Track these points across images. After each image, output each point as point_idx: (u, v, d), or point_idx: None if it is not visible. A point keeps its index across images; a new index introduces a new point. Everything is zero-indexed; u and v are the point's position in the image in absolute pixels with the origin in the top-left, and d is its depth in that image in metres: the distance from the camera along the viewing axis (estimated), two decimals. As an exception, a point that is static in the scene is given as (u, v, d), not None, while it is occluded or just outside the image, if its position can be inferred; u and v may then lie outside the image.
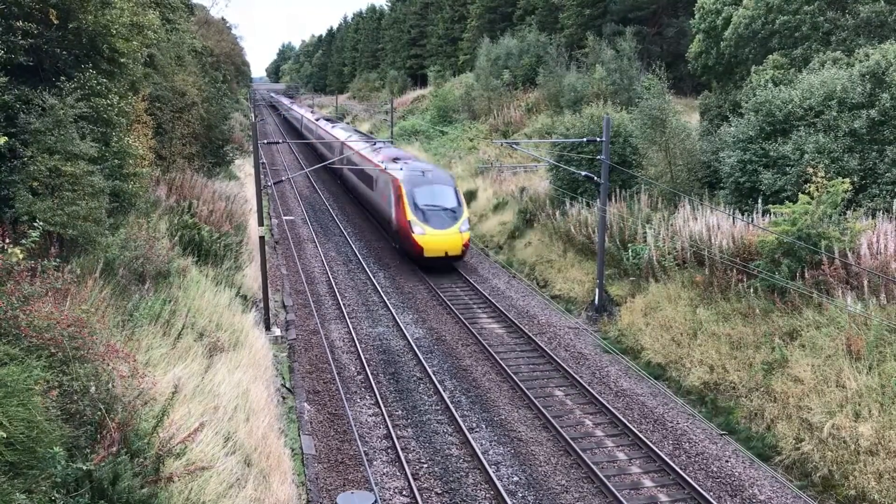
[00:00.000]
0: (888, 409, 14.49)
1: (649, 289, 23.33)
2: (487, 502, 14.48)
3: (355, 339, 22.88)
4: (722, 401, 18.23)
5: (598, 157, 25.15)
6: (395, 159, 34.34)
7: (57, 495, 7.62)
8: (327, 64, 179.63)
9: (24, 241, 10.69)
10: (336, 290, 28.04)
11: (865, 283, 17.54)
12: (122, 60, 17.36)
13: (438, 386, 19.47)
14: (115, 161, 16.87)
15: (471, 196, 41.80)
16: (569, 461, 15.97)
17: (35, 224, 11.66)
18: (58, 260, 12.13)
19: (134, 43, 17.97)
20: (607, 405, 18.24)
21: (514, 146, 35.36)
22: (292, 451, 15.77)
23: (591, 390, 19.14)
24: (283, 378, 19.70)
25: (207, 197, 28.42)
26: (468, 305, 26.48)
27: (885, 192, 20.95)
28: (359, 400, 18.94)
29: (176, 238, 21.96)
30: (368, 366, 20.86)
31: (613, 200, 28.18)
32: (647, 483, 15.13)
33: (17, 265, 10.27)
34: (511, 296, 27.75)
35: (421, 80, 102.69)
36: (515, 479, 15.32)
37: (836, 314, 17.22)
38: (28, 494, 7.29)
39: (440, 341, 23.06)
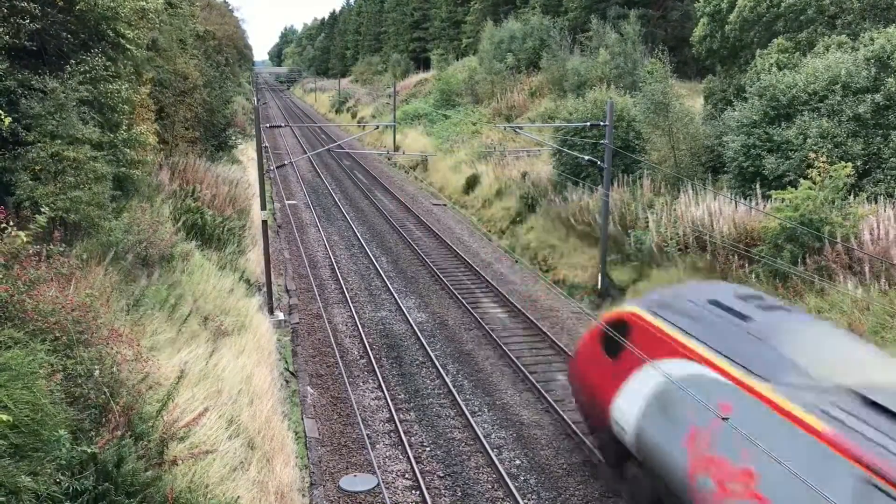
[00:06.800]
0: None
1: (652, 274, 23.33)
2: (490, 486, 14.57)
3: (358, 323, 22.94)
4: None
5: (602, 141, 25.09)
6: None
7: (62, 477, 7.69)
8: (330, 47, 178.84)
9: (31, 226, 10.73)
10: (339, 274, 28.08)
11: (867, 268, 17.53)
12: (127, 47, 17.29)
13: (441, 370, 19.54)
14: (126, 149, 16.83)
15: (474, 181, 41.78)
16: (571, 445, 16.04)
17: (42, 210, 11.70)
18: (63, 245, 12.17)
19: (139, 32, 17.92)
20: (609, 389, 18.28)
21: (517, 130, 35.24)
22: (295, 434, 15.87)
23: (593, 375, 19.19)
24: (287, 362, 19.79)
25: (210, 181, 28.42)
26: (471, 290, 26.51)
27: (889, 177, 20.88)
28: (361, 384, 19.02)
29: (179, 223, 21.99)
30: (371, 350, 20.93)
31: (616, 185, 28.12)
32: (648, 467, 15.21)
33: (24, 249, 10.31)
34: (513, 280, 27.78)
35: (424, 64, 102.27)
36: (518, 462, 15.41)
37: (839, 299, 17.22)
38: (33, 476, 7.35)
39: (443, 326, 23.12)
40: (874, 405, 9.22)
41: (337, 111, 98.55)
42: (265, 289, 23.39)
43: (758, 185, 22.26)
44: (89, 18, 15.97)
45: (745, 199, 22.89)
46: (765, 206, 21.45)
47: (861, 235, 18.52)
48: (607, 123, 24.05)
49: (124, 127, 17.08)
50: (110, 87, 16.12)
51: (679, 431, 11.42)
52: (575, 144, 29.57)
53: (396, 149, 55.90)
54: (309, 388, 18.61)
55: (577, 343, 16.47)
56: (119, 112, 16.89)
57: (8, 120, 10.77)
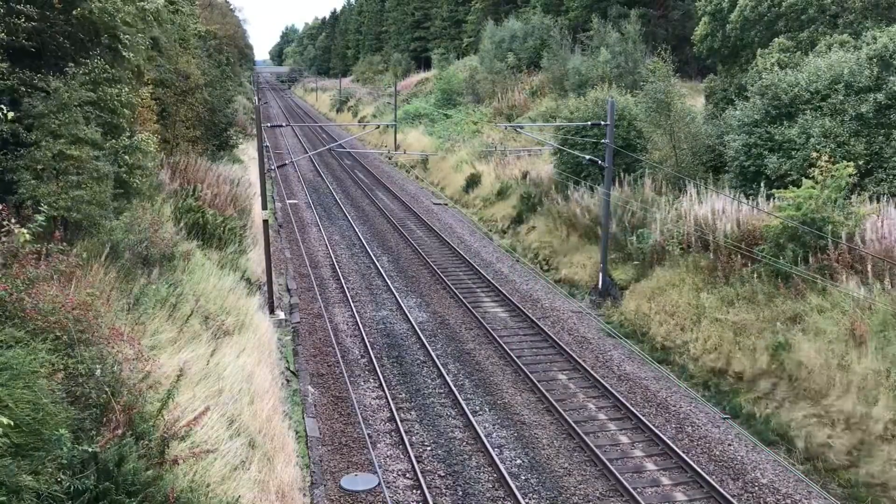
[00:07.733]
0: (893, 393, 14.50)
1: (653, 273, 23.30)
2: (490, 485, 14.56)
3: (359, 322, 22.92)
4: (725, 385, 18.26)
5: (603, 140, 25.08)
6: None
7: (63, 476, 7.67)
8: (331, 47, 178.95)
9: (30, 225, 10.69)
10: (340, 273, 28.06)
11: (869, 267, 17.50)
12: (123, 53, 17.22)
13: (442, 369, 19.52)
14: (126, 156, 16.78)
15: (475, 180, 41.75)
16: (572, 444, 16.03)
17: (41, 208, 11.66)
18: (64, 244, 12.15)
19: (138, 37, 17.86)
20: (610, 389, 18.28)
21: (518, 130, 35.24)
22: (296, 433, 15.85)
23: (594, 374, 19.18)
24: (288, 361, 19.78)
25: (211, 181, 28.41)
26: (472, 289, 26.50)
27: (891, 177, 20.86)
28: (362, 383, 19.01)
29: (181, 222, 21.97)
30: (372, 349, 20.91)
31: (617, 184, 28.09)
32: (650, 466, 15.19)
33: (23, 248, 10.29)
34: (514, 280, 27.76)
35: (425, 63, 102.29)
36: (518, 461, 15.39)
37: (841, 299, 17.19)
38: (34, 475, 7.35)
39: (444, 325, 23.10)
40: None
41: (338, 111, 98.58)
42: (266, 288, 23.38)
43: (763, 184, 22.22)
44: (87, 23, 15.92)
45: (746, 198, 22.87)
46: (768, 205, 21.42)
47: (864, 234, 18.50)
48: (608, 122, 24.03)
49: (126, 133, 17.01)
50: (109, 90, 16.08)
51: None
52: (576, 144, 29.55)
53: (397, 148, 55.93)
54: (310, 387, 18.59)
55: None
56: (119, 115, 16.84)
57: (10, 114, 10.72)
